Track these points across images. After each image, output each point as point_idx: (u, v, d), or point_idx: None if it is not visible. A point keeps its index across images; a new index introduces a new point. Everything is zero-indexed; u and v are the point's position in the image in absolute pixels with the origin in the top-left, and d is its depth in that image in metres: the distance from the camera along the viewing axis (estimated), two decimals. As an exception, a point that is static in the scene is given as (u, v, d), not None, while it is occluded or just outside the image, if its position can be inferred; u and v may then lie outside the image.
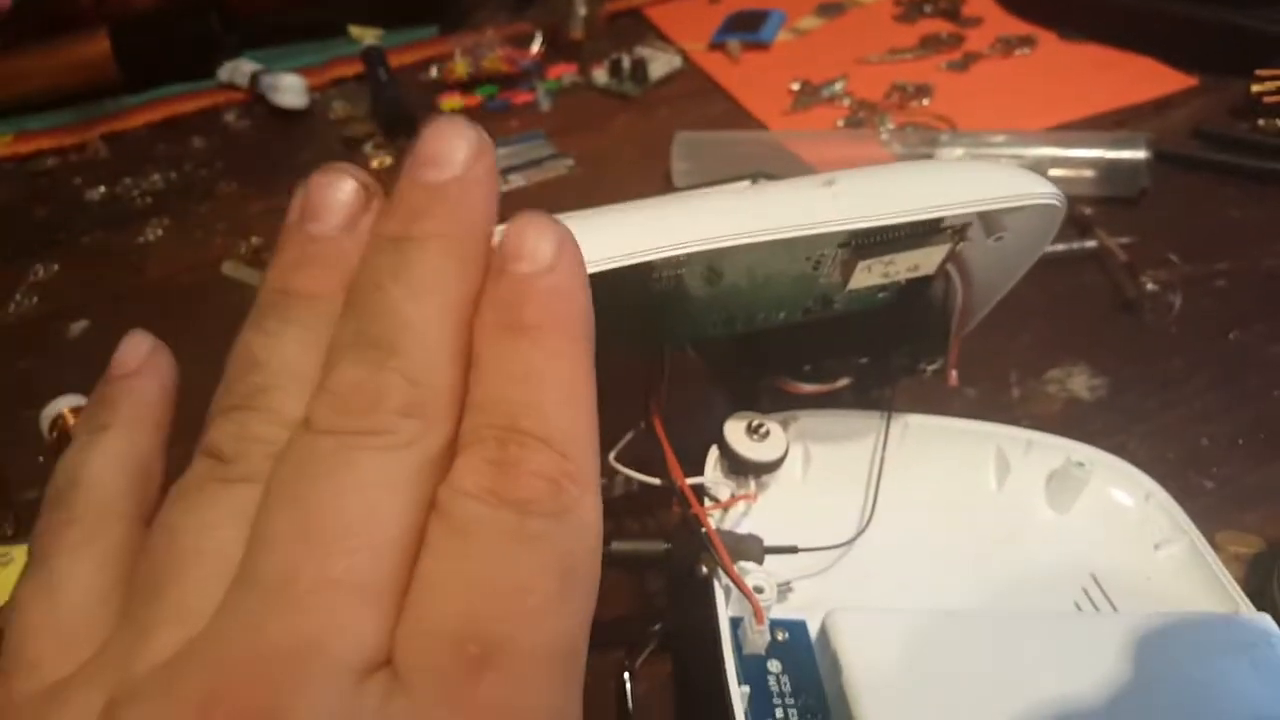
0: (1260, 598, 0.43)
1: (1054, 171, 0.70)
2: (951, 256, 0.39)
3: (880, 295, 0.42)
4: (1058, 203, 0.35)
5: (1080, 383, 0.56)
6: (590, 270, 0.27)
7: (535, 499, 0.22)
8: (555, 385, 0.24)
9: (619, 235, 0.32)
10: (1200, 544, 0.44)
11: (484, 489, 0.22)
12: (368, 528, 0.21)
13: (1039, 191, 0.34)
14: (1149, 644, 0.38)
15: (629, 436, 0.46)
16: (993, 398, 0.55)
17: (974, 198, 0.34)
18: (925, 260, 0.38)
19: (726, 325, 0.42)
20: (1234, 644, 0.39)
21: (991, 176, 0.35)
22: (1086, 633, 0.38)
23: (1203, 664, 0.37)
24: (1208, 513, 0.47)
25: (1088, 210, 0.67)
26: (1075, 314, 0.60)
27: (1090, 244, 0.65)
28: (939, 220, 0.36)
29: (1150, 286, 0.59)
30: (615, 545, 0.37)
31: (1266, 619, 0.40)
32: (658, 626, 0.43)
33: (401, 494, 0.22)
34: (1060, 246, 0.64)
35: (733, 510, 0.44)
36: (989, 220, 0.37)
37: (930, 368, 0.44)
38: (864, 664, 0.35)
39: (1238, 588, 0.42)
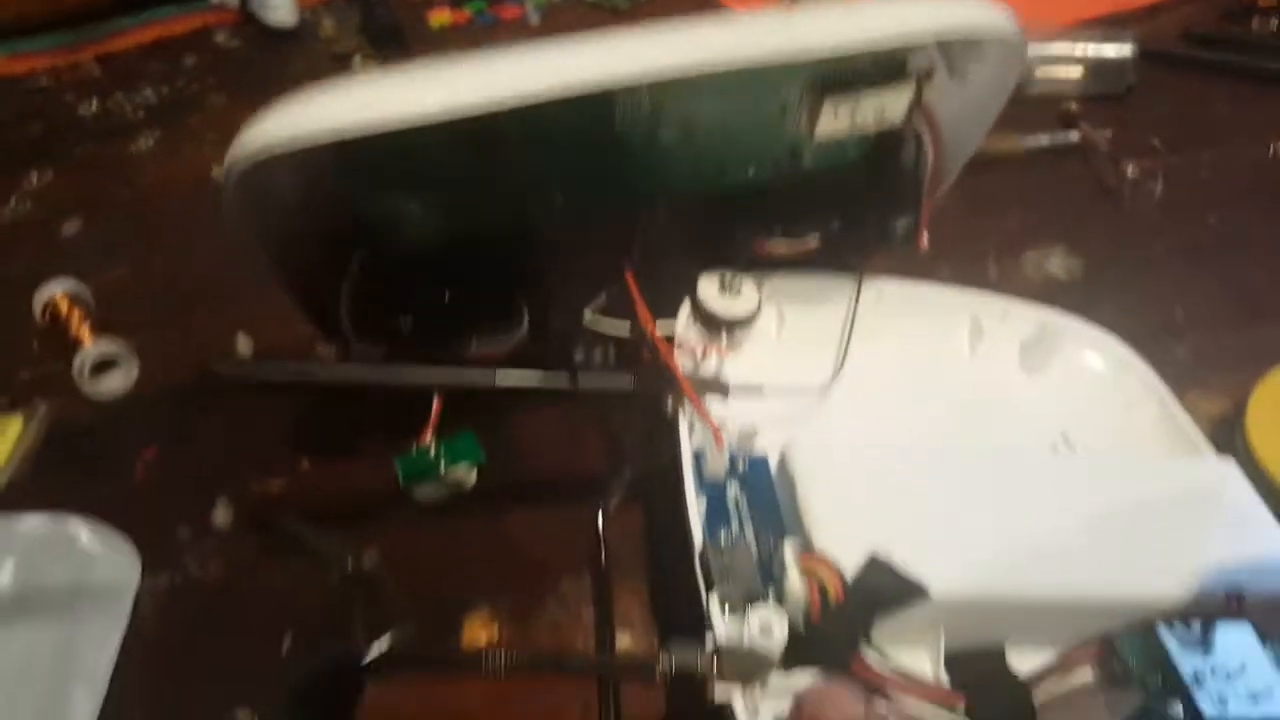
0: (1225, 450, 0.43)
1: (1042, 70, 0.70)
2: (918, 104, 0.39)
3: (849, 150, 0.42)
4: (1015, 35, 0.35)
5: (1057, 263, 0.56)
6: (546, 90, 0.28)
7: None
8: None
9: (569, 59, 0.32)
10: (1171, 403, 0.45)
11: None
12: None
13: (999, 18, 0.34)
14: (1112, 482, 0.39)
15: (603, 297, 0.46)
16: (969, 277, 0.55)
17: (932, 24, 0.34)
18: (892, 105, 0.38)
19: (695, 179, 0.43)
20: (1198, 484, 0.39)
21: (953, 8, 0.36)
22: (1050, 470, 0.39)
23: (1166, 502, 0.38)
24: (1179, 376, 0.48)
25: (1074, 106, 0.67)
26: (1057, 201, 0.61)
27: (1074, 137, 0.65)
28: (903, 61, 0.37)
29: (1132, 173, 0.59)
30: (582, 379, 0.38)
31: (1230, 462, 0.40)
32: (628, 473, 0.44)
33: None
34: (1044, 139, 0.65)
35: (705, 365, 0.44)
36: (951, 60, 0.37)
37: (901, 223, 0.44)
38: (820, 486, 0.36)
39: (1205, 442, 0.43)
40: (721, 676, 0.29)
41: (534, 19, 0.90)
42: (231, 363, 0.34)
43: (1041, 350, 0.47)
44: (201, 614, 0.42)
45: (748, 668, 0.29)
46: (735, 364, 0.45)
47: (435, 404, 0.46)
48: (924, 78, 0.37)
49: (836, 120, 0.39)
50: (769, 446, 0.40)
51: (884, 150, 0.43)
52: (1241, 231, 0.57)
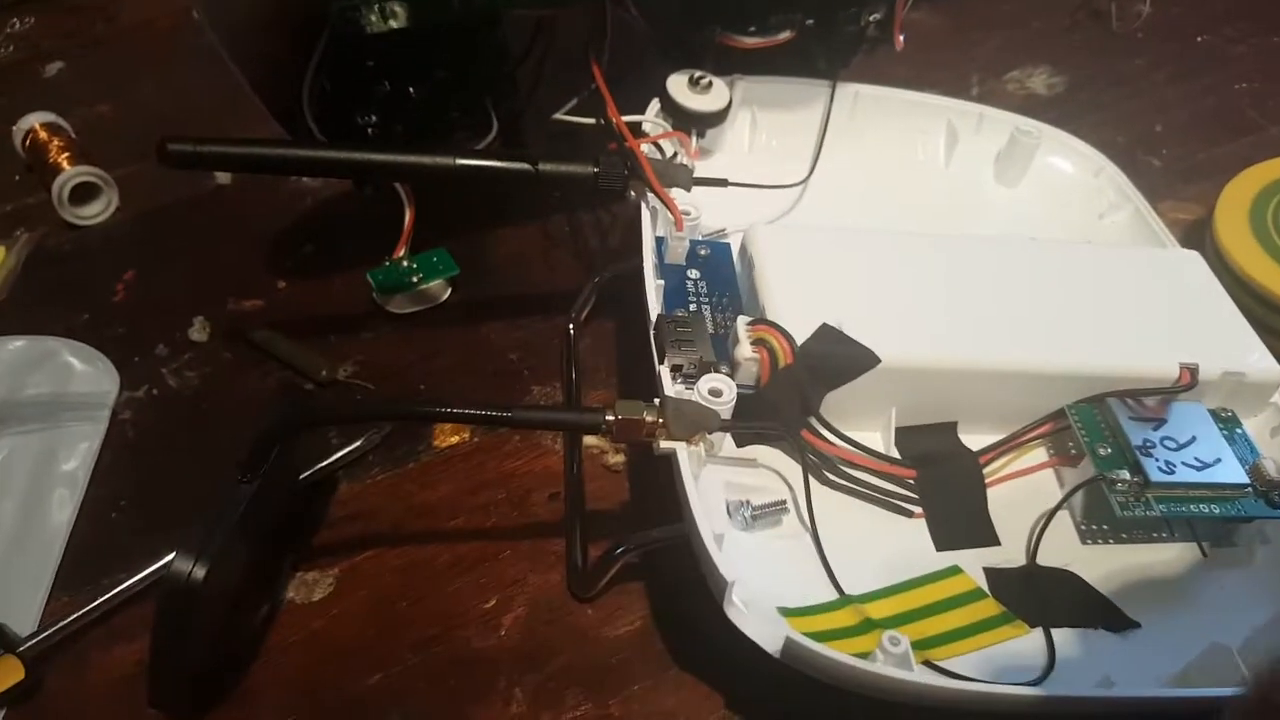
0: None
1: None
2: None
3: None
4: None
5: (1040, 81, 0.55)
6: None
7: None
8: None
9: None
10: (1145, 210, 0.44)
11: None
12: None
13: None
14: (1077, 265, 0.38)
15: (574, 101, 0.46)
16: (951, 96, 0.54)
17: None
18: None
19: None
20: (1162, 271, 0.39)
21: None
22: (1015, 254, 0.39)
23: (1128, 285, 0.38)
24: (1153, 187, 0.47)
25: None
26: (1043, 23, 0.59)
27: (1065, -40, 0.63)
28: None
29: (1121, -8, 0.58)
30: (542, 165, 0.38)
31: (1194, 254, 0.40)
32: (597, 278, 0.44)
33: None
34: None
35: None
36: None
37: (873, 17, 0.43)
38: (777, 264, 0.35)
39: (1176, 244, 0.42)
40: (668, 431, 0.29)
41: None
42: (184, 142, 0.34)
43: (1016, 158, 0.46)
44: (177, 421, 0.42)
45: (692, 423, 0.29)
46: (706, 169, 0.44)
47: (408, 217, 0.46)
48: None
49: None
50: (734, 238, 0.40)
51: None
52: (1225, 50, 0.56)
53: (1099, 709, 0.28)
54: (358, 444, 0.40)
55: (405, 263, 0.46)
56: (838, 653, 0.25)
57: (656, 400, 0.30)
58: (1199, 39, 0.57)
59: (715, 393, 0.31)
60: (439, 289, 0.46)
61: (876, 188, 0.46)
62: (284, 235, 0.51)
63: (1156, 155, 0.50)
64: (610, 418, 0.29)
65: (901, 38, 0.45)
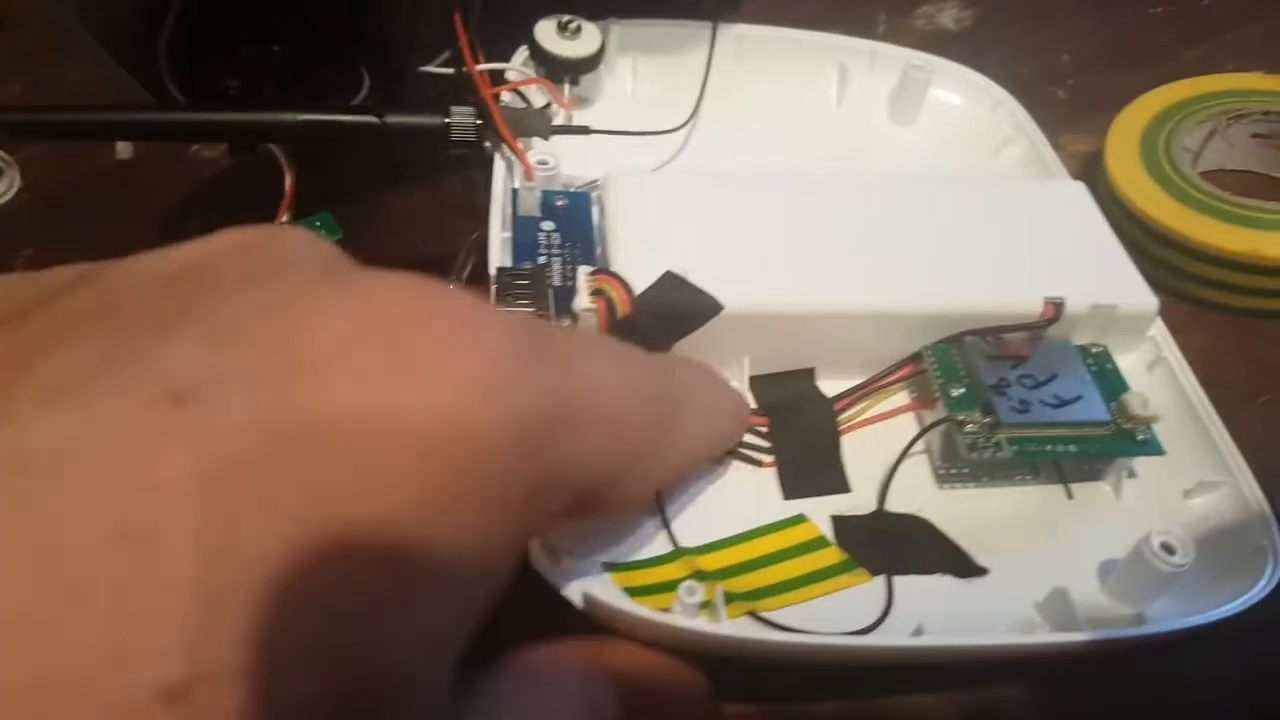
0: (1090, 187, 0.42)
1: None
2: None
3: None
4: None
5: (949, 16, 0.53)
6: None
7: None
8: None
9: None
10: (1040, 144, 0.43)
11: None
12: None
13: None
14: (948, 201, 0.37)
15: (446, 54, 0.44)
16: (857, 36, 0.52)
17: None
18: None
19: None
20: (1041, 204, 0.38)
21: None
22: (885, 194, 0.37)
23: (1000, 220, 0.36)
24: (1056, 118, 0.46)
25: None
26: (959, -44, 0.57)
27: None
28: None
29: (1037, -81, 0.56)
30: (389, 118, 0.36)
31: (1080, 185, 0.39)
32: (475, 235, 0.43)
33: None
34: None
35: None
36: None
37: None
38: (629, 213, 0.34)
39: (1067, 175, 0.41)
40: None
41: None
42: (10, 112, 0.33)
43: (909, 96, 0.45)
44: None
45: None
46: (584, 118, 0.43)
47: (288, 182, 0.45)
48: None
49: None
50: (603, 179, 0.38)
51: None
52: (1146, -25, 0.54)
53: (915, 658, 0.27)
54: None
55: (287, 228, 0.45)
56: (636, 606, 0.24)
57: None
58: (1118, -35, 0.55)
59: (547, 346, 0.30)
60: (322, 254, 0.45)
61: (766, 132, 0.44)
62: (182, 207, 0.50)
63: (1062, 86, 0.48)
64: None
65: (785, -26, 0.44)
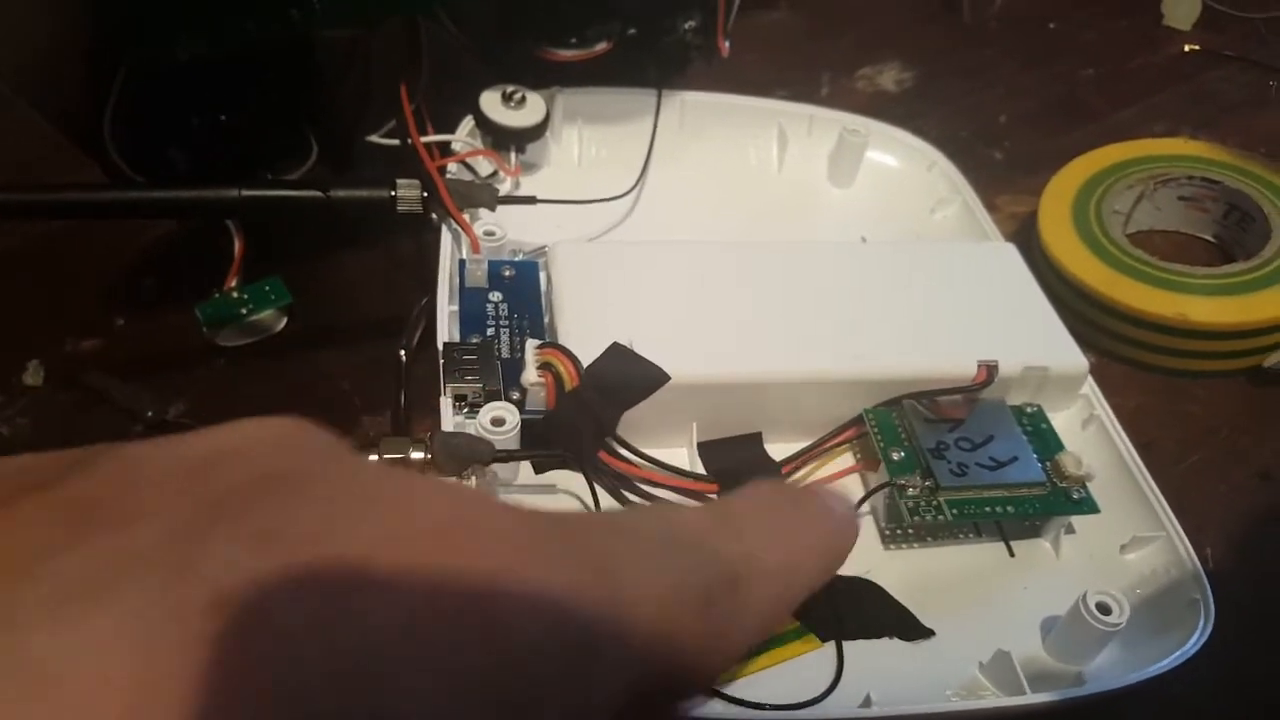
0: (1024, 248, 0.43)
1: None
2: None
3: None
4: None
5: (890, 77, 0.55)
6: None
7: None
8: None
9: None
10: (974, 204, 0.44)
11: None
12: None
13: None
14: (883, 264, 0.38)
15: (392, 123, 0.45)
16: (801, 98, 0.54)
17: None
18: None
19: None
20: (973, 266, 0.39)
21: None
22: (822, 258, 0.38)
23: (935, 282, 0.37)
24: (994, 180, 0.47)
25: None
26: (897, 16, 0.59)
27: (921, -48, 0.63)
28: None
29: (971, -18, 0.58)
30: (334, 192, 0.37)
31: (1010, 246, 0.40)
32: (425, 301, 0.43)
33: None
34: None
35: (499, 186, 0.43)
36: None
37: (689, 25, 0.43)
38: (574, 284, 0.35)
39: (1000, 236, 0.42)
40: (437, 468, 0.29)
41: None
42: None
43: (847, 158, 0.46)
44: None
45: (464, 457, 0.29)
46: (531, 186, 0.44)
47: (237, 247, 0.45)
48: None
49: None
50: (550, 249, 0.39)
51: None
52: (1075, 36, 0.56)
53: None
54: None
55: (236, 294, 0.45)
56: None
57: (430, 435, 0.29)
58: (1051, 25, 0.57)
59: (498, 421, 0.30)
60: (272, 319, 0.45)
61: (709, 196, 0.45)
62: (127, 271, 0.50)
63: (998, 147, 0.50)
64: (374, 458, 0.28)
65: (726, 44, 0.45)
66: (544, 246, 0.40)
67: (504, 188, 0.43)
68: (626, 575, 0.17)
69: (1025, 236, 0.43)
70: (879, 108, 0.53)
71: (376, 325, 0.45)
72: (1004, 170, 0.48)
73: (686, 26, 0.43)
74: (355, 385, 0.43)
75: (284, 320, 0.45)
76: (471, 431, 0.30)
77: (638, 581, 0.17)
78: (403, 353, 0.43)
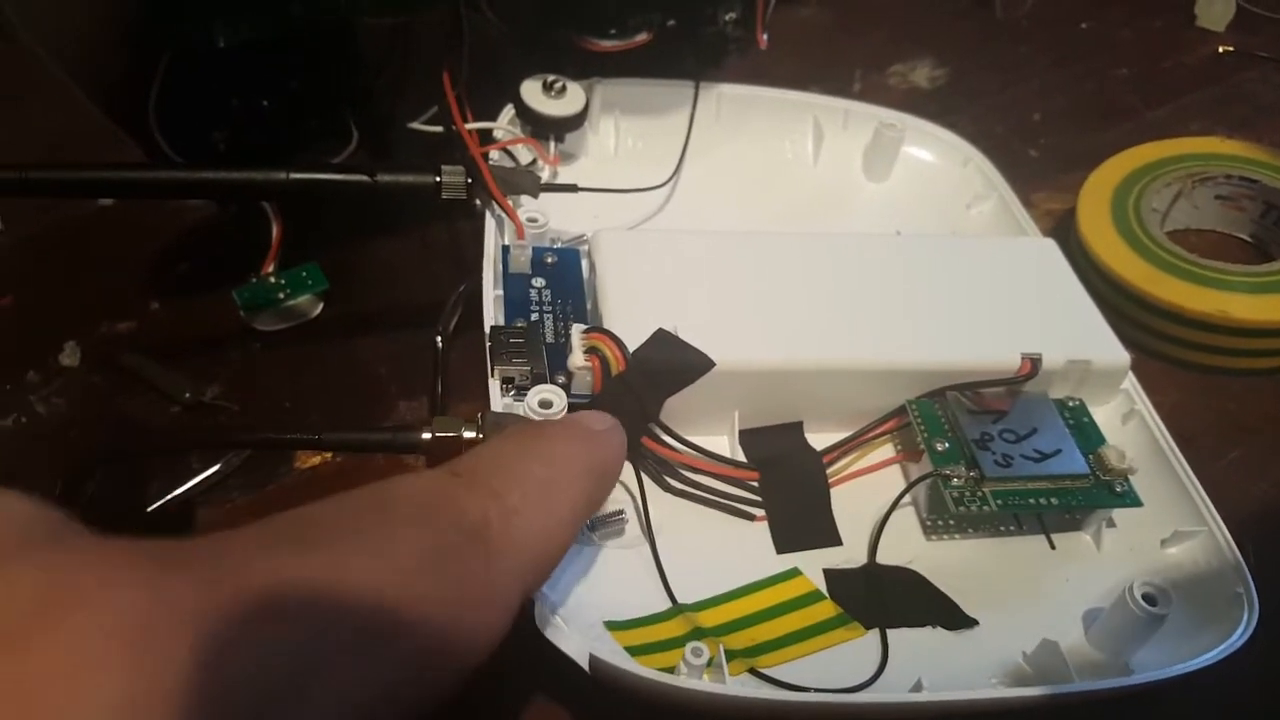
0: (1062, 244, 0.43)
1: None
2: None
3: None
4: None
5: (923, 74, 0.55)
6: None
7: None
8: None
9: None
10: (1010, 199, 0.44)
11: None
12: None
13: None
14: (924, 257, 0.38)
15: (434, 109, 0.45)
16: (833, 94, 0.54)
17: None
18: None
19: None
20: (1014, 260, 0.39)
21: None
22: (863, 249, 0.38)
23: (977, 275, 0.37)
24: (1029, 177, 0.47)
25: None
26: (930, 11, 0.59)
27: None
28: None
29: (1004, -21, 0.58)
30: (381, 176, 0.37)
31: (1050, 241, 0.40)
32: (463, 287, 0.43)
33: None
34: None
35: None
36: None
37: (729, 16, 0.43)
38: (619, 270, 0.35)
39: (1038, 233, 0.42)
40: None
41: None
42: (10, 169, 0.33)
43: (882, 153, 0.46)
44: (45, 449, 0.41)
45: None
46: (569, 174, 0.44)
47: (275, 232, 0.45)
48: None
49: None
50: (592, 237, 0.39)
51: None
52: (1109, 35, 0.56)
53: (914, 713, 0.27)
54: (215, 468, 0.39)
55: (273, 279, 0.45)
56: (641, 668, 0.25)
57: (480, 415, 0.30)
58: (1083, 25, 0.57)
59: (545, 404, 0.30)
60: (309, 304, 0.45)
61: (745, 188, 0.46)
62: (162, 254, 0.50)
63: (1034, 144, 0.50)
64: (427, 436, 0.28)
65: (765, 36, 0.45)
66: (583, 235, 0.40)
67: (543, 176, 0.43)
68: (345, 562, 0.17)
69: (1063, 233, 0.43)
70: (913, 104, 0.53)
71: (413, 311, 0.46)
72: (1040, 167, 0.48)
73: (726, 19, 0.43)
74: (391, 371, 0.43)
75: (320, 305, 0.46)
76: (520, 413, 0.30)
77: (358, 567, 0.17)
78: (439, 339, 0.43)
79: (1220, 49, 0.54)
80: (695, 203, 0.44)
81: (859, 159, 0.47)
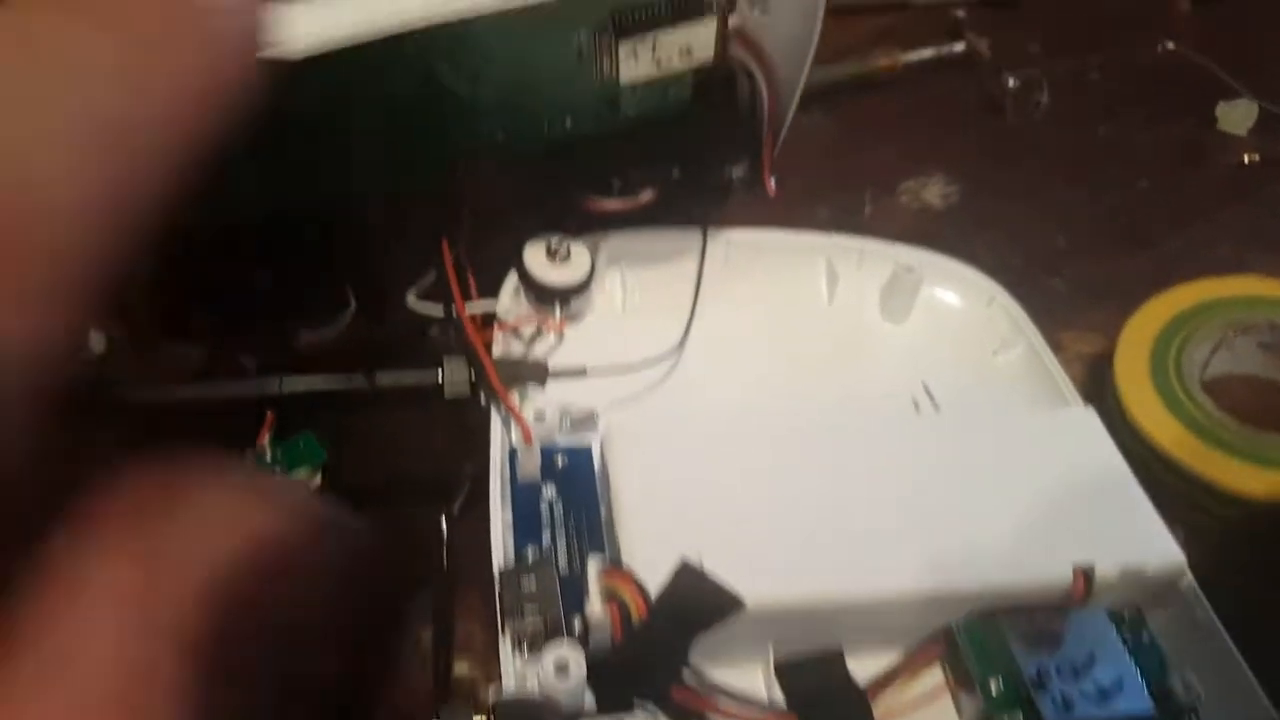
0: (1096, 398, 0.41)
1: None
2: (726, 38, 0.35)
3: (671, 93, 0.38)
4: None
5: (934, 191, 0.53)
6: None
7: None
8: None
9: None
10: (1039, 346, 0.42)
11: None
12: None
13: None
14: (957, 447, 0.36)
15: (431, 275, 0.43)
16: (843, 216, 0.52)
17: None
18: (698, 41, 0.34)
19: (513, 136, 0.39)
20: (1053, 442, 0.36)
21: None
22: (891, 439, 0.36)
23: (1014, 469, 0.35)
24: (1055, 313, 0.45)
25: (961, 13, 0.63)
26: (939, 122, 0.57)
27: (959, 48, 0.61)
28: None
29: (1013, 84, 0.56)
30: (381, 378, 0.34)
31: (1091, 412, 0.37)
32: (468, 467, 0.41)
33: None
34: (928, 52, 0.60)
35: (540, 344, 0.41)
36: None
37: (737, 174, 0.41)
38: (632, 478, 0.32)
39: (1072, 388, 0.40)
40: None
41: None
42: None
43: (901, 294, 0.44)
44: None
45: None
46: (576, 337, 0.41)
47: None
48: (725, 8, 0.34)
49: (639, 64, 0.35)
50: (603, 430, 0.37)
51: (712, 89, 0.39)
52: (1129, 142, 0.54)
53: None
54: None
55: (268, 450, 0.42)
56: None
57: (490, 691, 0.27)
58: (1099, 130, 0.55)
59: (561, 668, 0.28)
60: (307, 478, 0.43)
61: (759, 335, 0.43)
62: (158, 417, 0.47)
63: (1057, 274, 0.47)
64: (434, 729, 0.26)
65: (773, 182, 0.43)
66: (593, 410, 0.38)
67: (548, 343, 0.41)
68: None
69: (1097, 381, 0.41)
70: (926, 227, 0.51)
71: (415, 485, 0.43)
72: (1065, 302, 0.46)
73: (735, 175, 0.41)
74: (392, 555, 0.40)
75: (318, 478, 0.43)
76: (535, 681, 0.28)
77: None
78: (444, 520, 0.40)
79: (1245, 157, 0.52)
80: (708, 354, 0.42)
81: (876, 299, 0.45)
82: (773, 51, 0.37)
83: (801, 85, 0.39)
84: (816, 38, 0.36)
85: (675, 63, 0.35)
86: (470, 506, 0.41)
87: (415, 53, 0.32)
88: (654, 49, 0.34)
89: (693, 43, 0.34)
